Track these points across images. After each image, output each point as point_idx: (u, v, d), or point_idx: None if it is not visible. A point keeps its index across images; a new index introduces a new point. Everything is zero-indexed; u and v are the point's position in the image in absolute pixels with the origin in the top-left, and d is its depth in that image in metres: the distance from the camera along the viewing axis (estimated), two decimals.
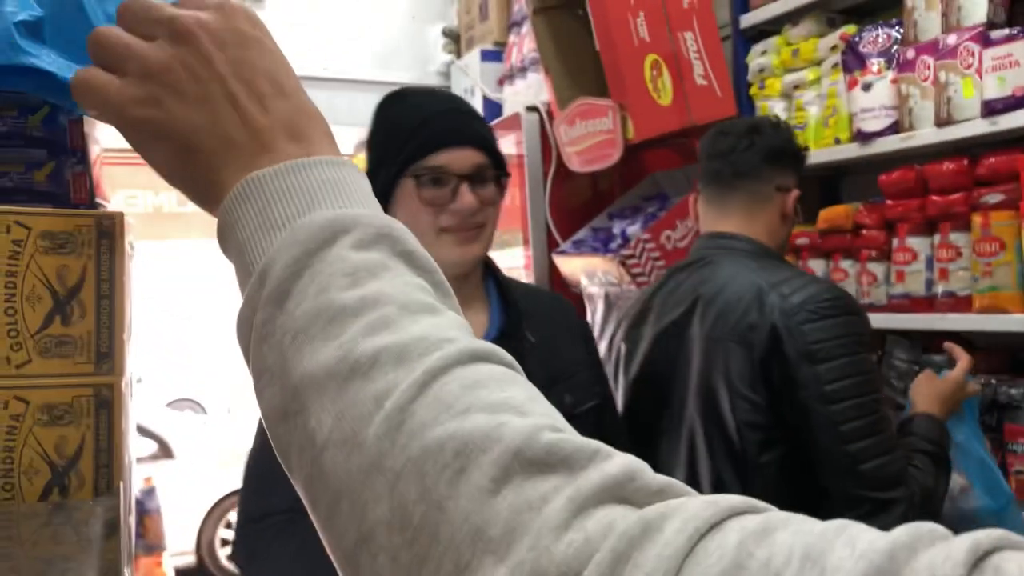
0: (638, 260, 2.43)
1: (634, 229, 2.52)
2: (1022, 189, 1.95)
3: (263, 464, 1.30)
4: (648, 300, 1.83)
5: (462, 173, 1.31)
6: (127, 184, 5.49)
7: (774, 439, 1.48)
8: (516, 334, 1.38)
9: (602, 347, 2.60)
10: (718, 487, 1.58)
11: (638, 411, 1.79)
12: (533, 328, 1.41)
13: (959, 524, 1.64)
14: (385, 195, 1.34)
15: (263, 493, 1.29)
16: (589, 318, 2.64)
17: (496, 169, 1.38)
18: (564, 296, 2.84)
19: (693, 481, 1.65)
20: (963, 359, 1.72)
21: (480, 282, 1.44)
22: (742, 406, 1.50)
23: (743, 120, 1.84)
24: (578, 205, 2.95)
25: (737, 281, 1.56)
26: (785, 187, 1.74)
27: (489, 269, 1.46)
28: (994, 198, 2.02)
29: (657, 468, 0.41)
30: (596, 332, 2.64)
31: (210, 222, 0.52)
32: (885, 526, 1.18)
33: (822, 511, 1.45)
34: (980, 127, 2.01)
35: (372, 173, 1.35)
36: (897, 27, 2.27)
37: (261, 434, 1.33)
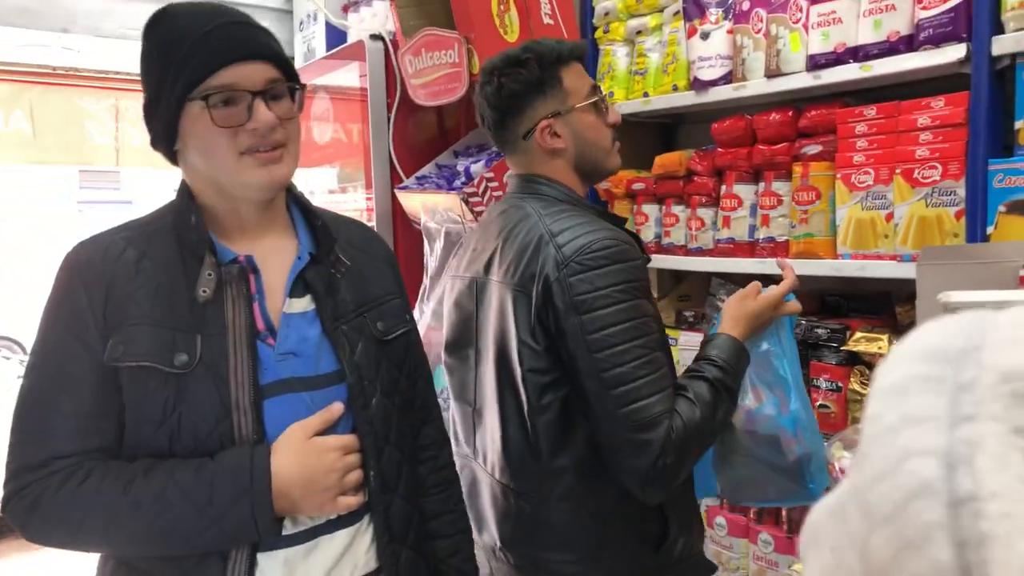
0: (480, 198, 2.42)
1: (478, 167, 2.50)
2: (838, 141, 2.06)
3: (38, 410, 1.19)
4: (469, 240, 1.85)
5: (254, 89, 1.21)
6: None
7: (553, 383, 1.53)
8: (328, 258, 1.34)
9: (442, 283, 2.59)
10: (505, 430, 1.63)
11: (450, 350, 1.86)
12: (344, 253, 1.37)
13: (754, 442, 1.68)
14: (171, 125, 1.22)
15: (42, 439, 1.17)
16: (428, 254, 2.61)
17: (289, 81, 1.28)
18: (404, 232, 2.81)
19: (480, 424, 1.71)
20: (788, 278, 1.73)
21: (283, 206, 1.37)
22: (526, 352, 1.55)
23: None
24: (423, 141, 2.90)
25: (528, 229, 1.59)
26: (528, 132, 1.67)
27: (291, 193, 1.39)
28: (813, 149, 2.14)
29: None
30: (435, 267, 2.63)
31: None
32: (640, 467, 1.29)
33: (597, 452, 1.42)
34: (805, 80, 2.11)
35: (153, 102, 1.23)
36: None
37: (31, 375, 1.21)
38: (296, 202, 1.40)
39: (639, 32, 2.59)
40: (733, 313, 1.68)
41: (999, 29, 1.77)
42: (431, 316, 2.61)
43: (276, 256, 1.31)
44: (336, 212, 1.51)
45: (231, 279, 1.24)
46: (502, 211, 1.72)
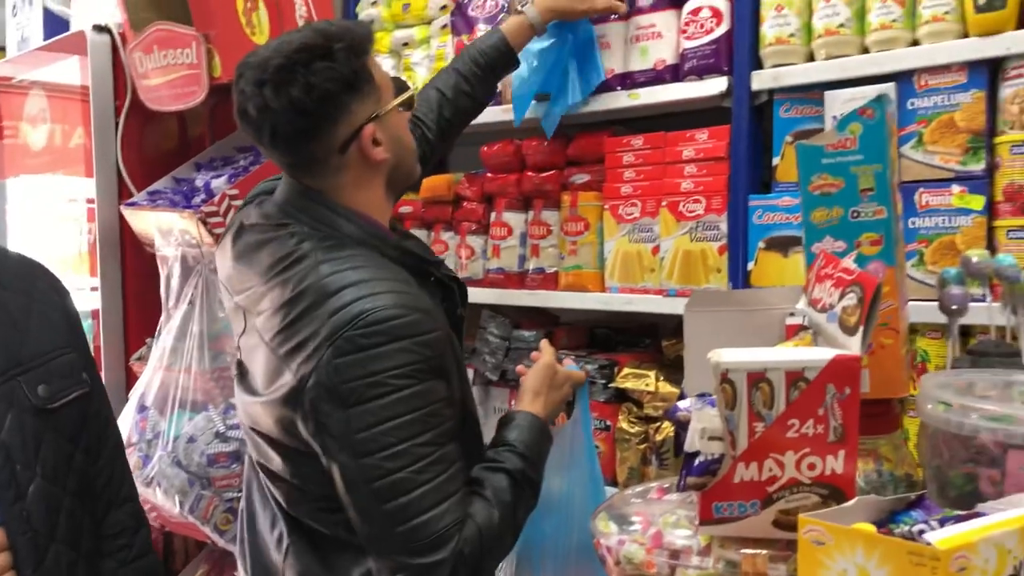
0: (222, 219, 2.12)
1: (220, 182, 2.20)
2: (606, 171, 1.99)
3: None
4: (224, 251, 1.43)
5: None
6: None
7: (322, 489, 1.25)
8: None
9: (178, 315, 2.25)
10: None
11: None
12: None
13: None
14: None
15: None
16: (163, 284, 2.26)
17: None
18: (134, 255, 2.44)
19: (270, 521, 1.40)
20: (547, 351, 1.53)
21: None
22: (279, 440, 1.26)
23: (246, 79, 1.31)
24: (161, 151, 2.55)
25: (301, 276, 1.24)
26: (348, 140, 1.31)
27: None
28: (582, 178, 2.06)
29: None
30: (173, 299, 2.28)
31: None
32: None
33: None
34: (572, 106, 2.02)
35: None
36: None
37: None
38: None
39: (405, 44, 2.41)
40: (535, 386, 1.43)
41: (758, 64, 1.76)
42: (168, 354, 2.26)
43: None
44: None
45: None
46: (273, 238, 1.32)
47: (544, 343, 1.55)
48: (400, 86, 1.41)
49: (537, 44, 1.93)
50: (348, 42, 1.28)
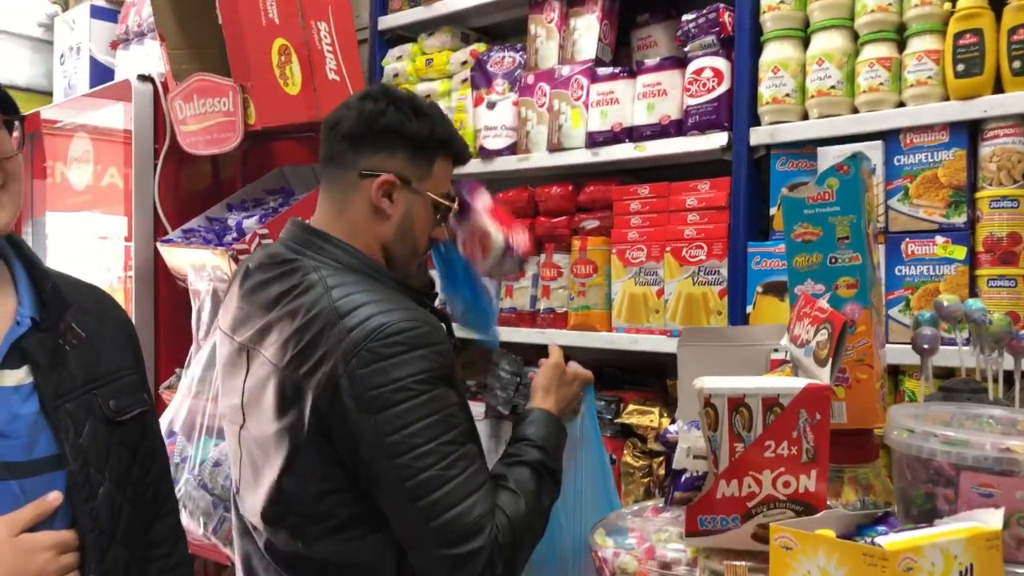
0: None
1: (251, 222, 2.33)
2: (614, 217, 2.11)
3: None
4: (232, 290, 1.53)
5: None
6: None
7: (330, 492, 1.32)
8: (57, 326, 1.17)
9: (207, 346, 2.38)
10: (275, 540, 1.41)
11: (226, 420, 1.56)
12: (76, 321, 1.20)
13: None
14: None
15: None
16: (195, 316, 2.39)
17: (6, 113, 1.12)
18: (167, 289, 2.57)
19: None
20: (553, 350, 1.61)
21: (2, 260, 1.19)
22: (301, 456, 1.32)
23: (359, 92, 1.49)
24: (195, 191, 2.69)
25: (312, 302, 1.32)
26: (370, 173, 1.40)
27: (15, 245, 1.21)
28: (591, 224, 2.18)
29: None
30: (203, 331, 2.41)
31: None
32: None
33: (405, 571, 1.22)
34: (584, 156, 2.16)
35: None
36: (522, 52, 2.37)
37: None
38: (20, 257, 1.20)
39: (427, 96, 2.56)
40: (545, 383, 1.52)
41: (756, 121, 1.89)
42: (196, 383, 2.38)
43: None
44: (67, 273, 1.31)
45: None
46: (279, 273, 1.40)
47: (552, 344, 1.63)
48: (449, 197, 1.49)
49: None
50: (437, 125, 1.44)
